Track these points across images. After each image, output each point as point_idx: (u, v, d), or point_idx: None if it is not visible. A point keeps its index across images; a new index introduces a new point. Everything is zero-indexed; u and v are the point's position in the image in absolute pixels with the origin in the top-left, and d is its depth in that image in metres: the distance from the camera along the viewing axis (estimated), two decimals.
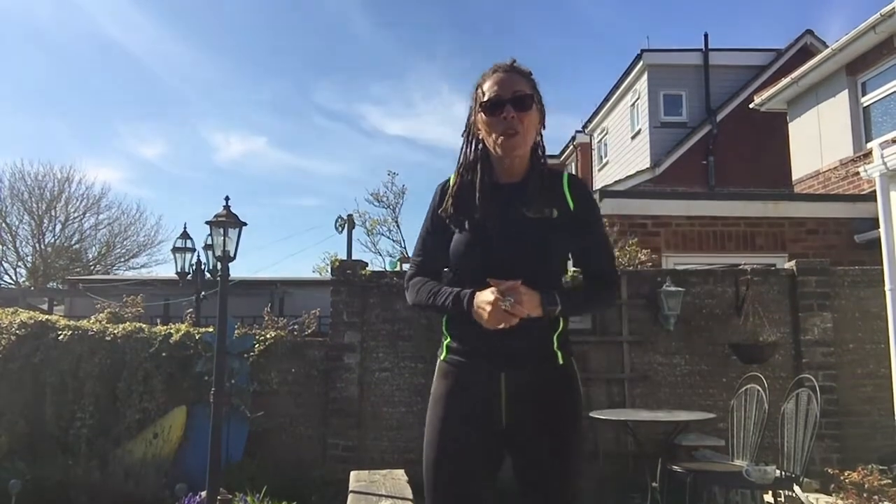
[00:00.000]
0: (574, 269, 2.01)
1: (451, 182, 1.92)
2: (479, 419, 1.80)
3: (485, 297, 1.69)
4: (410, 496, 3.05)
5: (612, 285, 1.97)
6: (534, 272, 1.75)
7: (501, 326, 1.68)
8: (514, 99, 1.79)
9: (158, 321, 7.69)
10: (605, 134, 16.58)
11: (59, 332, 6.04)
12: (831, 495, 4.50)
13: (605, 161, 16.56)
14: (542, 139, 1.92)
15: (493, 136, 1.81)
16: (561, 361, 1.85)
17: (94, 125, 37.23)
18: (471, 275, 1.78)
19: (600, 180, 16.08)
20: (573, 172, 1.96)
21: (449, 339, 1.89)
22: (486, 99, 1.81)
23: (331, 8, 35.93)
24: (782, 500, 4.49)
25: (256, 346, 6.08)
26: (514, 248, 1.78)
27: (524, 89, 1.82)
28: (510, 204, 1.82)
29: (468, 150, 1.92)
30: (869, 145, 8.36)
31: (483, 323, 1.70)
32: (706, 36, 13.87)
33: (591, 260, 1.92)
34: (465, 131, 1.93)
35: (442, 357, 1.90)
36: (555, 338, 1.84)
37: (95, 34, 33.39)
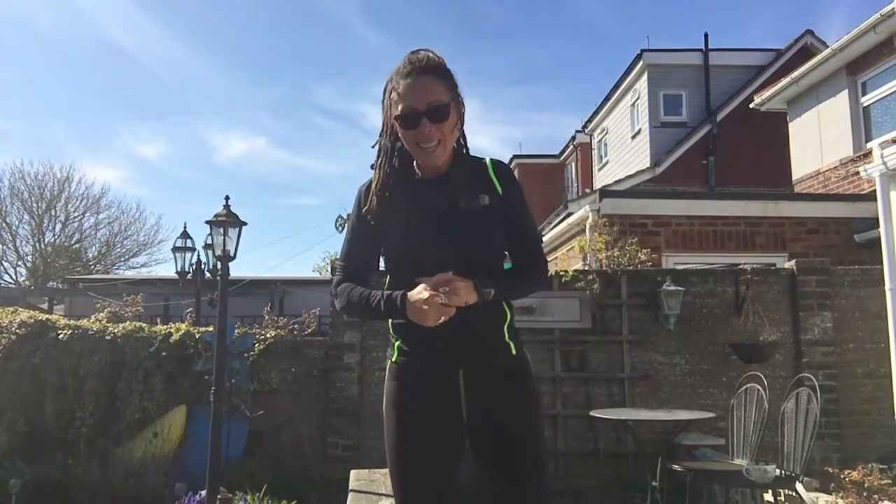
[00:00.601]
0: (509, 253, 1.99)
1: (374, 181, 1.84)
2: (436, 418, 1.80)
3: (418, 295, 1.65)
4: None
5: (542, 264, 1.93)
6: (475, 262, 1.74)
7: (442, 320, 1.64)
8: (429, 111, 1.71)
9: (158, 320, 7.70)
10: (605, 134, 16.57)
11: (59, 332, 6.05)
12: (831, 494, 4.50)
13: (605, 161, 16.56)
14: (462, 132, 1.85)
15: (411, 146, 1.76)
16: (514, 352, 1.85)
17: (94, 125, 37.27)
18: (409, 273, 1.73)
19: (600, 180, 16.08)
20: (495, 158, 1.96)
21: (399, 341, 1.86)
22: (399, 112, 1.73)
23: (330, 8, 35.93)
24: (782, 499, 4.49)
25: (256, 345, 6.08)
26: (452, 240, 1.75)
27: (440, 97, 1.73)
28: (439, 197, 1.78)
29: (389, 145, 1.83)
30: (869, 145, 8.36)
31: (421, 321, 1.65)
32: (706, 36, 13.87)
33: (521, 241, 1.88)
34: (381, 129, 1.85)
35: (392, 359, 1.89)
36: (505, 329, 1.84)
37: (95, 35, 33.41)
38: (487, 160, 1.88)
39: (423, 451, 1.81)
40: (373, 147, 1.88)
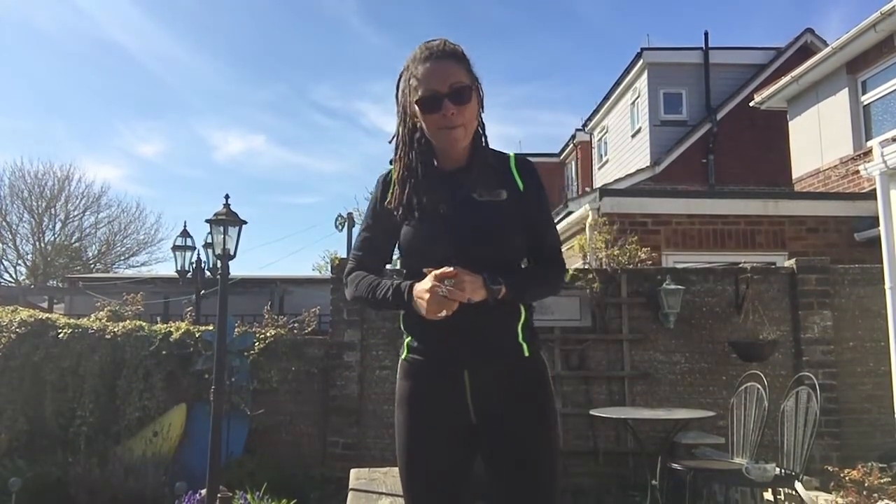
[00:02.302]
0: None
1: (394, 172, 1.81)
2: (445, 418, 1.75)
3: (422, 286, 1.62)
4: None
5: (559, 266, 1.87)
6: (487, 257, 1.68)
7: (443, 314, 1.59)
8: (451, 93, 1.68)
9: (158, 319, 7.70)
10: (606, 132, 16.56)
11: (59, 331, 6.05)
12: (831, 493, 4.50)
13: (605, 159, 16.55)
14: (481, 120, 1.81)
15: (433, 131, 1.72)
16: (527, 354, 1.76)
17: (93, 124, 37.27)
18: (419, 265, 1.69)
19: (600, 178, 16.07)
20: (520, 154, 1.91)
21: (409, 338, 1.81)
22: (420, 95, 1.69)
23: (329, 7, 35.91)
24: (782, 497, 4.49)
25: (256, 344, 6.08)
26: (466, 233, 1.71)
27: (461, 79, 1.70)
28: (457, 189, 1.74)
29: (407, 136, 1.78)
30: (869, 144, 8.36)
31: (423, 313, 1.62)
32: (706, 34, 13.85)
33: (539, 240, 1.82)
34: (398, 121, 1.80)
35: (403, 356, 1.84)
36: (519, 329, 1.76)
37: (95, 34, 33.38)
38: (511, 156, 1.83)
39: (430, 450, 1.76)
40: (389, 143, 1.85)
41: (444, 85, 1.68)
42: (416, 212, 1.76)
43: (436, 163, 1.80)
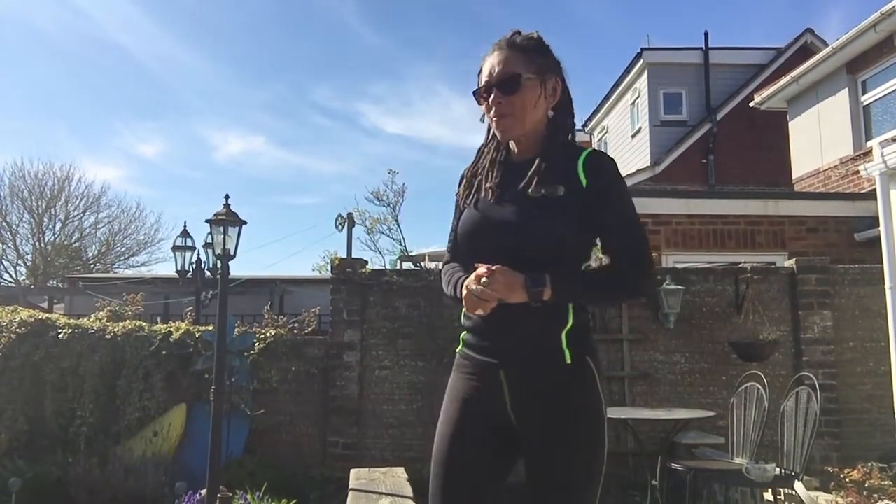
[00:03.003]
0: (603, 254, 1.79)
1: (470, 164, 1.87)
2: (485, 416, 1.72)
3: (467, 282, 1.62)
4: (410, 494, 3.05)
5: (635, 268, 1.68)
6: (535, 254, 1.63)
7: (479, 312, 1.59)
8: (499, 83, 1.71)
9: (158, 319, 7.70)
10: (606, 132, 16.57)
11: (59, 331, 6.05)
12: (831, 493, 4.50)
13: None
14: (564, 111, 1.80)
15: (490, 120, 1.77)
16: (569, 360, 1.66)
17: (93, 124, 37.23)
18: (469, 259, 1.71)
19: None
20: (599, 150, 1.85)
21: (464, 332, 1.80)
22: (478, 87, 1.77)
23: (328, 8, 35.90)
24: (782, 497, 4.49)
25: (256, 344, 6.08)
26: (508, 228, 1.67)
27: (513, 69, 1.71)
28: (513, 184, 1.72)
29: (488, 129, 1.84)
30: (869, 144, 8.36)
31: (465, 310, 1.64)
32: (706, 34, 13.83)
33: (610, 239, 1.71)
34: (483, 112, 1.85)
35: (458, 349, 1.83)
36: (563, 334, 1.66)
37: (95, 34, 33.37)
38: (585, 150, 1.73)
39: (464, 444, 1.73)
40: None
41: (494, 75, 1.72)
42: (469, 202, 1.79)
43: (510, 154, 1.82)
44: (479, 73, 1.79)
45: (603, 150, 15.08)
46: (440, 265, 1.95)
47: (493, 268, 1.57)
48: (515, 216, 1.68)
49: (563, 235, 1.65)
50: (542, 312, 1.62)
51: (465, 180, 1.85)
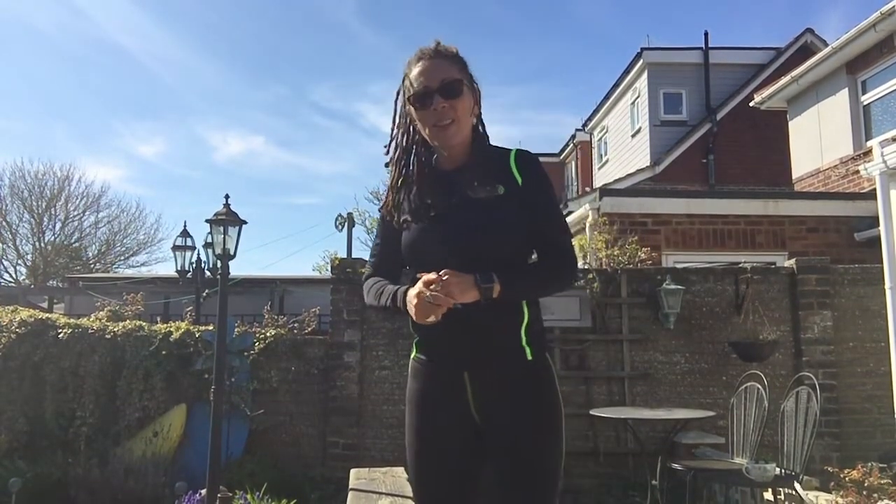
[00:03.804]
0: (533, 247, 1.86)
1: (390, 178, 1.84)
2: (448, 418, 1.75)
3: (412, 292, 1.62)
4: (410, 494, 3.04)
5: (565, 259, 1.78)
6: (486, 255, 1.65)
7: (431, 319, 1.59)
8: (441, 88, 1.70)
9: (158, 319, 7.70)
10: (606, 132, 16.56)
11: (59, 331, 6.04)
12: (831, 493, 4.50)
13: (605, 159, 16.55)
14: (480, 119, 1.83)
15: (428, 127, 1.73)
16: (530, 357, 1.72)
17: (93, 124, 37.25)
18: (416, 268, 1.70)
19: (600, 178, 16.07)
20: (522, 149, 1.90)
21: (417, 338, 1.82)
22: (413, 91, 1.73)
23: (328, 8, 35.90)
24: (782, 497, 4.49)
25: (256, 344, 6.08)
26: (459, 232, 1.69)
27: (452, 74, 1.73)
28: (452, 189, 1.74)
29: (403, 140, 1.81)
30: (869, 143, 8.35)
31: (414, 318, 1.63)
32: (706, 34, 13.85)
33: (543, 234, 1.76)
34: (395, 122, 1.82)
35: (412, 356, 1.84)
36: (522, 331, 1.72)
37: (95, 34, 33.37)
38: (513, 151, 1.80)
39: (434, 449, 1.77)
40: (385, 147, 1.85)
41: (435, 81, 1.71)
42: (408, 216, 1.77)
43: (437, 164, 1.81)
44: (404, 83, 1.78)
45: (603, 149, 15.15)
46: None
47: (442, 273, 1.58)
48: (465, 219, 1.70)
49: (511, 232, 1.71)
50: (498, 310, 1.65)
51: (390, 192, 1.83)
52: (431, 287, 1.57)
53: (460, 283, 1.58)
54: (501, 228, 1.70)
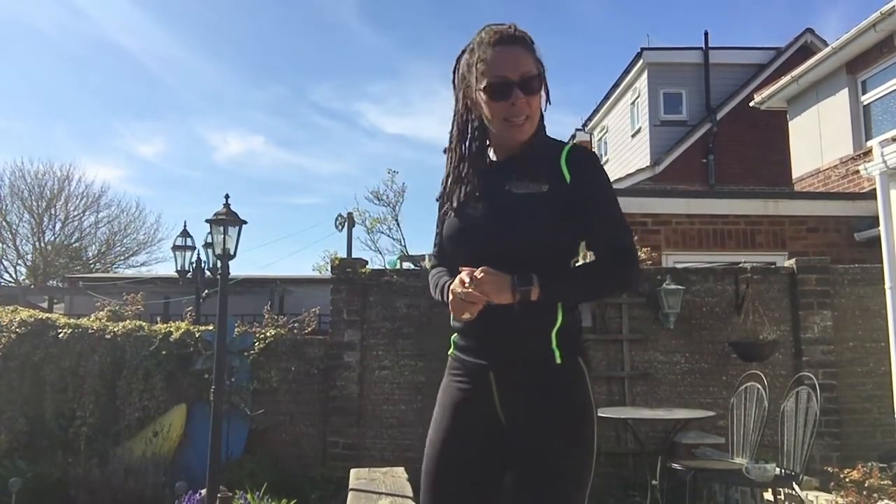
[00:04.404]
0: (588, 249, 1.77)
1: (446, 166, 1.78)
2: (472, 416, 1.71)
3: (453, 287, 1.57)
4: (410, 494, 3.05)
5: (621, 260, 1.66)
6: (522, 253, 1.59)
7: (466, 316, 1.56)
8: (522, 82, 1.60)
9: (158, 319, 7.70)
10: (606, 132, 16.57)
11: (59, 331, 6.05)
12: (831, 493, 4.50)
13: (605, 159, 16.55)
14: (542, 112, 1.73)
15: (498, 120, 1.64)
16: (559, 360, 1.63)
17: (93, 124, 37.20)
18: (456, 263, 1.66)
19: None
20: (580, 144, 1.86)
21: (455, 334, 1.77)
22: (489, 81, 1.61)
23: (328, 8, 35.89)
24: (782, 497, 4.49)
25: (256, 344, 6.08)
26: (494, 228, 1.64)
27: (532, 68, 1.62)
28: (497, 182, 1.66)
29: (462, 125, 1.72)
30: (869, 143, 8.36)
31: (453, 314, 1.60)
32: (706, 34, 13.84)
33: (593, 234, 1.68)
34: (455, 108, 1.73)
35: (450, 351, 1.81)
36: (553, 334, 1.63)
37: (95, 34, 33.36)
38: (567, 146, 1.69)
39: (455, 448, 1.72)
40: (451, 133, 1.77)
41: (516, 73, 1.60)
42: (451, 205, 1.73)
43: (491, 153, 1.75)
44: (474, 66, 1.65)
45: (603, 149, 15.12)
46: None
47: (478, 270, 1.53)
48: (502, 216, 1.64)
49: (550, 232, 1.62)
50: (531, 312, 1.58)
51: (446, 185, 1.78)
52: (466, 284, 1.53)
53: (495, 282, 1.53)
54: (534, 227, 1.61)
